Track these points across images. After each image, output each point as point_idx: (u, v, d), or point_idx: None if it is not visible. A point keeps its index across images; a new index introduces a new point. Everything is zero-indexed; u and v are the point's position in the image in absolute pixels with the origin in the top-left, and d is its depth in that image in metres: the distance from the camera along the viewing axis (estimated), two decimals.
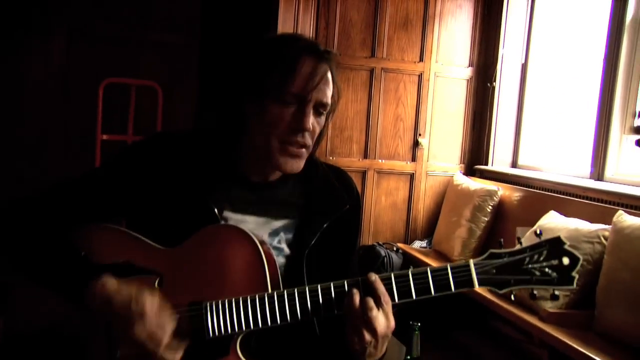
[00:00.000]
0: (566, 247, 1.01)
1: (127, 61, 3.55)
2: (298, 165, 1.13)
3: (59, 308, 1.09)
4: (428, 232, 3.98)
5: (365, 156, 3.89)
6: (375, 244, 3.71)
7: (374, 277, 1.01)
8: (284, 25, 3.39)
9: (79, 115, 3.48)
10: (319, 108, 1.12)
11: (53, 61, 3.48)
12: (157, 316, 0.97)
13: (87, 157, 3.35)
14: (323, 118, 1.14)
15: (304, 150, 1.12)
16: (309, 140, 1.12)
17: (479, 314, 3.38)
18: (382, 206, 3.95)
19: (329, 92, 1.12)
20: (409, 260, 3.61)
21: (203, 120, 1.27)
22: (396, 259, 3.59)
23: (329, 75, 1.13)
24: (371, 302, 0.98)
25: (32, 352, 1.12)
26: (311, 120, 1.10)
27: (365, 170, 3.88)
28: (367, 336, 0.99)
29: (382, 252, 3.57)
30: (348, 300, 1.00)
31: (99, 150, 3.33)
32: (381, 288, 0.99)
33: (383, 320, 0.99)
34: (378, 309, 0.98)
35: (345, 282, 1.02)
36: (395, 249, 3.73)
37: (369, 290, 1.00)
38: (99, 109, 3.33)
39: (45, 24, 3.42)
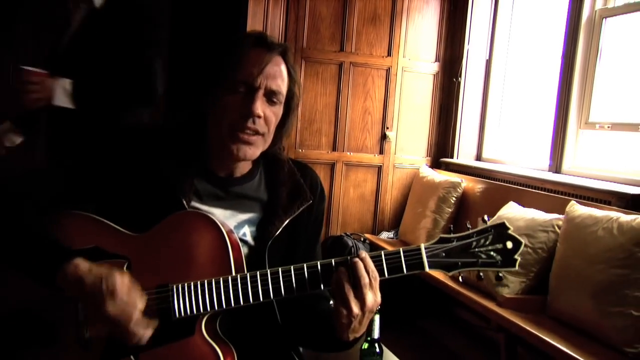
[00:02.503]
0: (510, 232, 1.09)
1: None
2: (252, 152, 1.18)
3: (28, 292, 1.12)
4: (395, 223, 4.08)
5: (334, 149, 3.96)
6: (343, 234, 3.80)
7: (365, 254, 1.07)
8: (254, 19, 3.42)
9: None
10: (271, 97, 1.16)
11: (17, 54, 3.44)
12: (127, 294, 1.02)
13: None
14: (278, 108, 1.19)
15: (255, 137, 1.16)
16: (262, 128, 1.16)
17: (442, 302, 3.50)
18: (350, 198, 4.03)
19: (280, 81, 1.17)
20: (375, 250, 3.70)
21: (172, 117, 1.32)
22: (363, 248, 3.68)
23: (282, 67, 1.18)
24: (365, 276, 1.04)
25: (2, 335, 1.15)
26: (261, 107, 1.14)
27: (334, 163, 3.95)
28: (356, 309, 1.04)
29: (350, 242, 3.66)
30: (338, 275, 1.06)
31: None
32: (371, 265, 1.06)
33: (372, 295, 1.05)
34: (370, 284, 1.05)
35: (333, 260, 1.08)
36: (362, 239, 3.82)
37: (358, 267, 1.05)
38: None
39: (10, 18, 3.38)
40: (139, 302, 1.03)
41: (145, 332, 1.04)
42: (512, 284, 2.52)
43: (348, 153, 3.99)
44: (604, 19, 3.06)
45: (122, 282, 1.02)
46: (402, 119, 4.05)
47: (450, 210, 3.49)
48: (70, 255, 1.06)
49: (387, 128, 4.03)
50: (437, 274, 2.98)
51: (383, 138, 4.04)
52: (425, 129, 4.12)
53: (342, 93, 3.92)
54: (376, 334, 1.53)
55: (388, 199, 4.09)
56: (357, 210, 4.05)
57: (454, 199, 3.49)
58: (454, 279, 2.88)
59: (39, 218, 1.13)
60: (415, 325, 3.48)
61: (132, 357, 1.08)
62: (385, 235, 4.00)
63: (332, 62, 3.88)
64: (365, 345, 1.65)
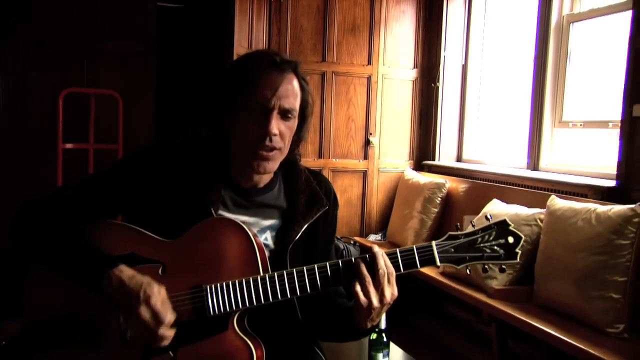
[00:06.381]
0: (511, 227, 1.24)
1: (85, 71, 3.60)
2: (271, 166, 1.29)
3: (73, 297, 1.22)
4: (382, 225, 4.23)
5: (320, 156, 4.09)
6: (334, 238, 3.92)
7: (381, 251, 1.20)
8: (240, 33, 3.54)
9: (39, 126, 3.51)
10: (286, 114, 1.27)
11: (7, 73, 3.49)
12: (161, 304, 1.13)
13: (49, 166, 3.38)
14: (292, 122, 1.29)
15: (273, 153, 1.27)
16: (278, 143, 1.27)
17: (432, 298, 3.66)
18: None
19: (293, 98, 1.27)
20: (365, 251, 3.82)
21: (195, 133, 1.43)
22: (354, 251, 3.81)
23: (294, 83, 1.28)
24: (385, 271, 1.18)
25: (51, 338, 1.23)
26: (276, 125, 1.25)
27: (321, 170, 4.07)
28: (375, 302, 1.17)
29: (341, 245, 3.79)
30: (359, 271, 1.18)
31: (60, 159, 3.37)
32: (388, 261, 1.19)
33: (389, 288, 1.19)
34: (388, 279, 1.18)
35: (354, 258, 1.21)
36: (352, 242, 3.96)
37: (377, 264, 1.19)
38: (59, 118, 3.37)
39: None
40: (170, 315, 1.14)
41: (170, 335, 1.15)
42: (500, 276, 2.68)
43: (334, 160, 4.12)
44: (571, 24, 3.26)
45: (160, 292, 1.14)
46: (384, 124, 4.21)
47: (436, 210, 3.65)
48: (114, 262, 1.16)
49: (370, 134, 4.17)
50: (428, 270, 3.13)
51: (367, 144, 4.18)
52: (407, 133, 4.29)
53: (326, 102, 4.06)
54: (383, 324, 1.67)
55: (374, 203, 4.24)
56: (345, 215, 4.17)
57: (439, 199, 3.65)
58: (444, 274, 3.05)
59: (78, 228, 1.24)
60: (407, 320, 3.62)
61: (170, 353, 1.19)
62: (373, 237, 4.14)
63: (315, 72, 4.01)
64: (374, 336, 1.79)
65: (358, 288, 1.19)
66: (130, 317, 1.14)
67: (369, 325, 1.23)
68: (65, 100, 3.39)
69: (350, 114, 4.14)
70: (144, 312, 1.11)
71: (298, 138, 1.35)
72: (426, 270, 3.16)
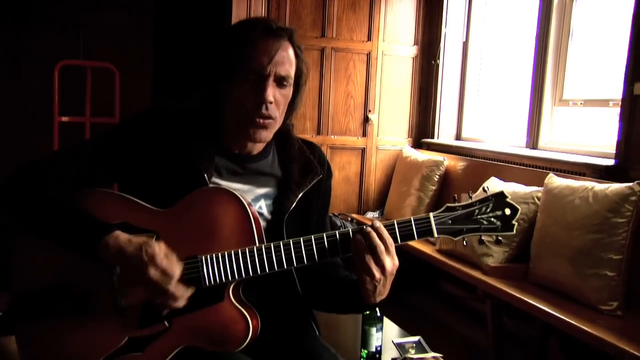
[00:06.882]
0: (508, 199, 1.21)
1: (81, 43, 3.56)
2: (266, 135, 1.28)
3: (57, 268, 1.21)
4: (379, 203, 4.22)
5: (319, 132, 4.07)
6: (331, 215, 3.92)
7: (378, 223, 1.18)
8: (238, 5, 3.49)
9: (35, 98, 3.48)
10: (281, 81, 1.25)
11: (3, 45, 3.45)
12: (166, 259, 1.11)
13: (45, 139, 3.36)
14: (288, 90, 1.28)
15: (269, 121, 1.25)
16: (274, 112, 1.25)
17: (428, 275, 3.67)
18: (335, 180, 4.10)
19: (289, 65, 1.26)
20: None
21: (187, 100, 1.41)
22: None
23: (290, 50, 1.26)
24: (380, 244, 1.15)
25: (41, 308, 1.22)
26: (272, 93, 1.23)
27: (319, 146, 4.05)
28: (377, 274, 1.16)
29: (338, 222, 3.79)
30: (357, 245, 1.16)
31: (57, 132, 3.35)
32: (385, 232, 1.17)
33: (389, 259, 1.17)
34: (386, 250, 1.16)
35: (351, 230, 1.19)
36: (350, 219, 3.96)
37: (373, 236, 1.16)
38: (55, 91, 3.34)
39: None
40: (177, 267, 1.13)
41: (184, 293, 1.13)
42: (496, 254, 2.69)
43: (332, 136, 4.10)
44: (574, 0, 3.21)
45: (160, 248, 1.12)
46: (383, 101, 4.18)
47: (434, 187, 3.64)
48: (109, 227, 1.14)
49: (369, 111, 4.15)
50: (424, 248, 3.14)
51: (365, 121, 4.16)
52: (406, 110, 4.26)
53: (325, 78, 4.02)
54: None
55: (372, 180, 4.23)
56: (343, 192, 4.17)
57: (437, 177, 3.64)
58: (441, 251, 3.06)
59: (72, 193, 1.21)
60: (403, 298, 3.64)
61: (166, 322, 1.19)
62: (370, 214, 4.14)
63: (314, 47, 3.96)
64: (368, 311, 1.80)
65: (358, 260, 1.17)
66: (138, 280, 1.12)
67: (378, 300, 1.22)
68: (61, 73, 3.36)
69: (350, 90, 4.11)
70: (152, 271, 1.10)
71: (291, 108, 1.34)
72: (422, 247, 3.17)
